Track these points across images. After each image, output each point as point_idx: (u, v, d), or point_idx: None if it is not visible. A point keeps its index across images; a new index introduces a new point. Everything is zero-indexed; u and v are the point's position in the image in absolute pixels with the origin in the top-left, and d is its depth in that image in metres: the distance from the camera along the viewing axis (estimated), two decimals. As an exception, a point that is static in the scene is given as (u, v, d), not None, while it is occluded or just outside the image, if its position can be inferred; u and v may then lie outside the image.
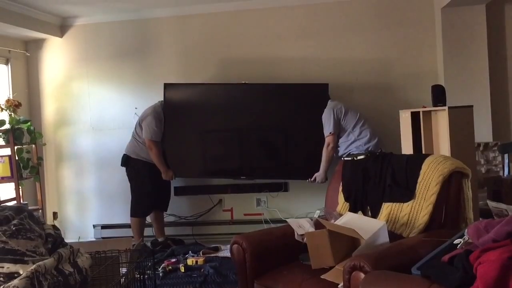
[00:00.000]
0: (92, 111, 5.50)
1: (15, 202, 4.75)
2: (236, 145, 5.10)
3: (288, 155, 5.00)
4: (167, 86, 4.96)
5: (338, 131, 4.50)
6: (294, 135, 4.95)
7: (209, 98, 5.09)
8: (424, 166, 2.84)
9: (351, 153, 4.37)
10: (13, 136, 4.75)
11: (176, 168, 4.95)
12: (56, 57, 5.56)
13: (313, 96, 4.77)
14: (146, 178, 4.87)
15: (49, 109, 5.59)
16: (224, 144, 5.13)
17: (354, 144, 4.44)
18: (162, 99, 4.94)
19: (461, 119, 3.73)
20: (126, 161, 4.89)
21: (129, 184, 4.94)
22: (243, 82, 4.96)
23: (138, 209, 4.88)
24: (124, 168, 4.93)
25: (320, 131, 4.56)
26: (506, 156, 4.38)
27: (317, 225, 2.87)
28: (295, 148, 4.96)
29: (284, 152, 5.03)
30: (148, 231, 5.04)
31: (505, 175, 4.33)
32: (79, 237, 5.41)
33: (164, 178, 4.90)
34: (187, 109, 5.06)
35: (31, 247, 2.18)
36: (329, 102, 4.59)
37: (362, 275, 2.14)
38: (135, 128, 4.90)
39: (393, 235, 2.70)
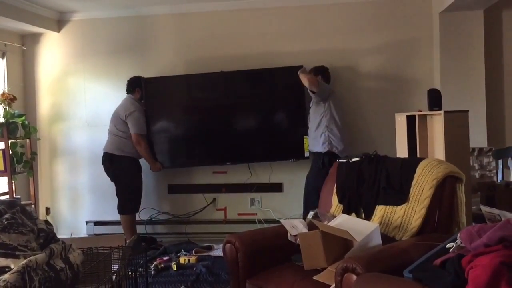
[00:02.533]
0: (88, 106, 5.49)
1: (7, 196, 4.72)
2: (219, 132, 5.17)
3: (270, 139, 5.11)
4: (146, 80, 5.02)
5: None
6: (274, 118, 5.14)
7: (189, 88, 5.27)
8: (419, 170, 2.84)
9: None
10: (7, 130, 4.73)
11: (163, 159, 5.05)
12: (53, 52, 5.53)
13: (291, 80, 4.75)
14: (134, 174, 4.90)
15: (44, 104, 5.57)
16: (208, 132, 5.20)
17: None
18: (129, 94, 4.96)
19: (457, 124, 3.74)
20: (111, 159, 4.84)
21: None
22: (220, 70, 5.05)
23: (129, 205, 4.88)
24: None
25: (301, 114, 4.86)
26: (500, 161, 4.40)
27: (311, 226, 2.87)
28: (277, 131, 5.10)
29: (266, 136, 5.12)
30: (140, 229, 5.05)
31: (499, 181, 4.34)
32: (72, 233, 5.37)
33: (152, 170, 4.98)
34: (167, 102, 5.18)
35: (22, 241, 2.17)
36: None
37: (354, 277, 2.14)
38: (115, 126, 4.86)
39: (386, 238, 2.71)
